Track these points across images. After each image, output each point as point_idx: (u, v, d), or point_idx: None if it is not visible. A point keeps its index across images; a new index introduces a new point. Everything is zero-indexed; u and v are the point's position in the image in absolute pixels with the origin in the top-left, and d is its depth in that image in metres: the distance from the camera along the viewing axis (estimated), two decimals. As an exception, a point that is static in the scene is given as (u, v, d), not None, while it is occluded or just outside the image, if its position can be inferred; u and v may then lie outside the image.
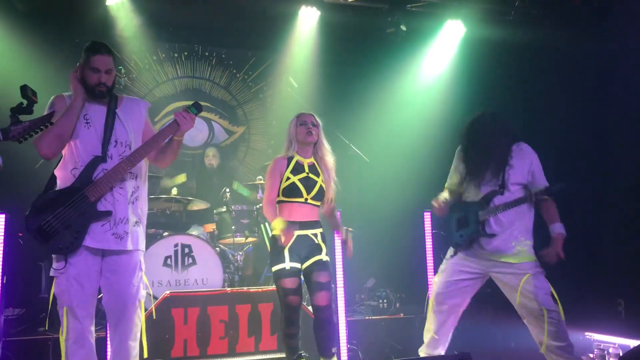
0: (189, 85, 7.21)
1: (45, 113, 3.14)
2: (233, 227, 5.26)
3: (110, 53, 3.21)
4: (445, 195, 4.00)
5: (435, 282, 4.05)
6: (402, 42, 6.28)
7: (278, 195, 3.63)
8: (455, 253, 3.89)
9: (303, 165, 3.65)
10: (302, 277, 3.62)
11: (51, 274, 3.13)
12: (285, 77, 6.47)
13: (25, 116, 2.79)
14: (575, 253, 5.53)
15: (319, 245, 3.60)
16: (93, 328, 3.13)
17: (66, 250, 3.03)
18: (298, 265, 3.54)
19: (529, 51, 6.04)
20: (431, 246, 4.89)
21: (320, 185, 3.64)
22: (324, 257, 3.58)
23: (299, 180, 3.58)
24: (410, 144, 6.26)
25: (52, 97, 3.21)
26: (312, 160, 3.71)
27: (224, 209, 5.37)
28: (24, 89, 2.79)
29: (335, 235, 4.14)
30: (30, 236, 3.07)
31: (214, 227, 5.43)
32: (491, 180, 3.84)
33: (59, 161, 3.21)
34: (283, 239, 3.45)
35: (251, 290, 4.57)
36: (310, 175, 3.63)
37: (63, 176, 3.14)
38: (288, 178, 3.59)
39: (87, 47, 3.18)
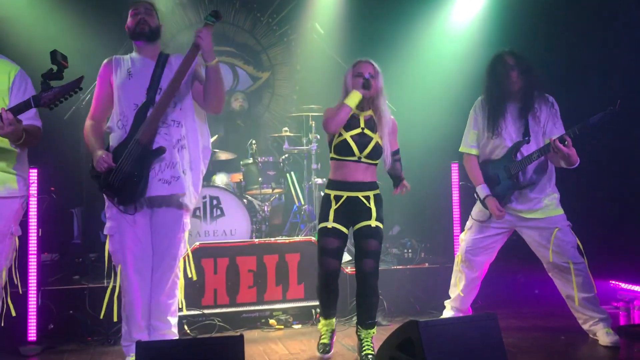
0: (213, 30, 7.06)
1: (97, 79, 3.30)
2: (260, 179, 5.30)
3: (149, 3, 3.32)
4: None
5: (461, 239, 4.06)
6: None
7: (331, 152, 3.41)
8: (490, 216, 3.84)
9: (359, 119, 3.36)
10: (347, 242, 3.45)
11: (105, 231, 3.24)
12: (310, 23, 6.30)
13: (56, 81, 2.81)
14: (602, 200, 5.52)
15: (369, 209, 3.35)
16: (149, 284, 3.21)
17: (131, 200, 3.10)
18: (342, 228, 3.35)
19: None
20: (457, 198, 4.87)
21: (377, 142, 3.35)
22: (373, 222, 3.33)
23: (352, 137, 3.30)
24: (439, 93, 6.12)
25: (102, 64, 3.30)
26: (369, 113, 3.41)
27: (250, 161, 5.39)
28: (54, 54, 2.79)
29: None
30: (102, 193, 3.19)
31: (241, 177, 5.46)
32: (515, 129, 3.75)
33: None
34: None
35: (278, 241, 4.65)
36: (366, 131, 3.34)
37: (113, 130, 3.22)
38: (340, 134, 3.32)
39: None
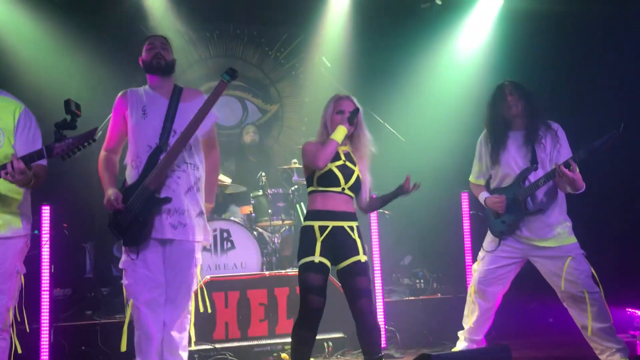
0: (222, 65, 7.18)
1: (112, 112, 3.32)
2: (270, 211, 5.32)
3: (165, 37, 3.40)
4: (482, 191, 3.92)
5: (474, 269, 4.03)
6: (437, 16, 6.14)
7: (312, 184, 3.31)
8: (499, 244, 3.83)
9: (339, 153, 3.30)
10: (334, 277, 3.30)
11: (120, 266, 3.26)
12: (318, 56, 6.39)
13: (69, 131, 2.82)
14: (617, 226, 5.48)
15: (354, 241, 3.22)
16: (161, 319, 3.21)
17: (136, 242, 3.14)
18: (327, 262, 3.17)
19: (571, 21, 5.80)
20: (469, 227, 4.85)
21: (358, 176, 3.30)
22: (362, 257, 3.19)
23: (337, 167, 3.24)
24: (447, 123, 6.15)
25: (117, 96, 3.34)
26: (347, 148, 3.38)
27: (260, 193, 5.42)
28: (68, 104, 2.78)
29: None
30: (110, 231, 3.23)
31: (251, 209, 5.49)
32: (521, 157, 3.76)
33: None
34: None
35: (289, 273, 4.64)
36: (347, 163, 3.30)
37: (128, 170, 3.27)
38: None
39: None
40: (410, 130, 5.92)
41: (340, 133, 3.23)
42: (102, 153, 3.35)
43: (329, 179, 3.25)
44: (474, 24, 6.58)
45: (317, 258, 3.14)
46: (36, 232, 3.23)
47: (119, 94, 3.34)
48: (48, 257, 4.07)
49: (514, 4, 6.23)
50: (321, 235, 3.19)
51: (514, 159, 3.77)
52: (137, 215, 3.12)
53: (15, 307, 3.04)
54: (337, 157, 3.30)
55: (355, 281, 3.15)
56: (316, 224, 3.22)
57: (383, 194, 3.41)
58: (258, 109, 7.31)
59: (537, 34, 6.01)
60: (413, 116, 6.14)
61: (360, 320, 3.15)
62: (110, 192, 3.15)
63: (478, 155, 4.00)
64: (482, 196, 3.92)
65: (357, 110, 3.29)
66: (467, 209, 4.83)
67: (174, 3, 6.30)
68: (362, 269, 3.18)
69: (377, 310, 4.43)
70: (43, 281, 4.01)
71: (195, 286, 3.33)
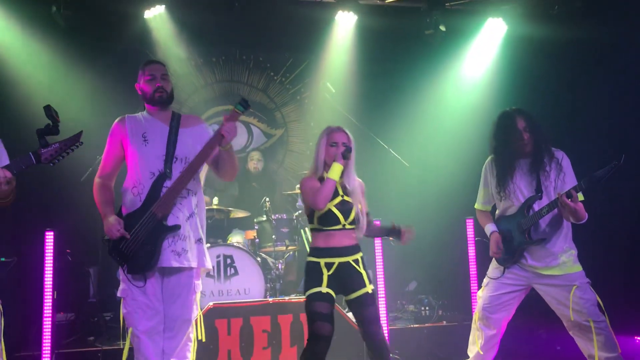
0: (227, 89, 7.25)
1: (108, 137, 3.28)
2: (274, 237, 5.29)
3: (163, 64, 3.37)
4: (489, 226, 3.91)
5: (479, 296, 3.99)
6: (441, 43, 6.15)
7: (313, 222, 3.35)
8: (503, 271, 3.80)
9: (336, 188, 3.31)
10: (344, 308, 3.40)
11: (119, 294, 3.22)
12: (322, 81, 6.43)
13: (52, 137, 2.75)
14: (623, 253, 5.42)
15: (360, 274, 3.30)
16: (161, 347, 3.18)
17: (141, 270, 3.11)
18: (333, 293, 3.26)
19: (573, 48, 5.83)
20: (474, 253, 4.83)
21: (356, 208, 3.33)
22: (369, 288, 3.29)
23: (335, 206, 3.28)
24: (451, 148, 6.15)
25: (114, 122, 3.30)
26: (342, 180, 3.36)
27: (264, 218, 5.41)
28: (48, 109, 2.72)
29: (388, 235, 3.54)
30: (111, 258, 3.18)
31: (255, 234, 5.47)
32: (526, 185, 3.75)
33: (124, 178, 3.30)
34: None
35: (292, 300, 4.60)
36: (345, 198, 3.33)
37: (127, 195, 3.23)
38: None
39: (140, 66, 3.33)
40: (415, 156, 5.93)
41: (336, 171, 3.25)
42: (97, 179, 3.31)
43: (328, 219, 3.29)
44: (477, 50, 6.61)
45: (324, 289, 3.22)
46: (2, 259, 3.06)
47: (117, 120, 3.32)
48: (51, 282, 4.05)
49: (518, 30, 6.26)
50: (328, 271, 3.27)
51: (519, 188, 3.76)
52: (144, 243, 3.10)
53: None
54: (335, 193, 3.30)
55: (365, 312, 3.27)
56: (322, 260, 3.29)
57: (384, 225, 3.45)
58: (263, 134, 7.34)
59: (541, 59, 6.04)
60: (417, 141, 6.15)
61: (371, 343, 3.27)
62: (112, 219, 3.13)
63: (483, 182, 3.98)
64: (489, 229, 3.87)
65: (349, 149, 3.31)
66: (473, 236, 4.82)
67: (180, 28, 6.35)
68: (370, 300, 3.29)
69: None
70: (45, 307, 3.99)
71: (195, 313, 3.30)
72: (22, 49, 5.71)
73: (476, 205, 4.03)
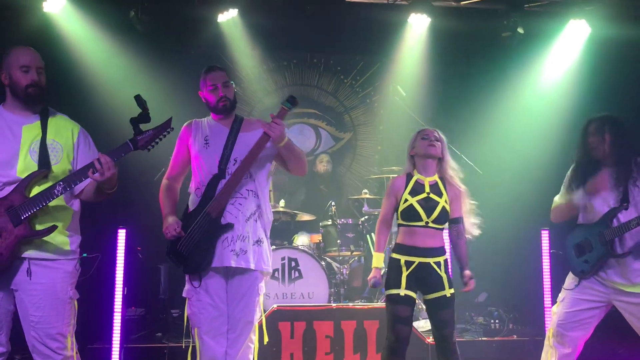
0: (297, 93, 7.26)
1: (177, 141, 3.35)
2: (338, 241, 5.25)
3: (223, 69, 3.36)
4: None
5: (553, 312, 3.78)
6: (519, 46, 5.95)
7: (398, 218, 3.40)
8: (578, 282, 3.59)
9: (423, 185, 3.37)
10: (421, 306, 3.44)
11: (184, 294, 3.25)
12: (392, 85, 6.33)
13: (144, 125, 2.83)
14: None
15: (440, 277, 3.31)
16: (224, 348, 3.19)
17: (199, 269, 3.13)
18: (413, 294, 3.31)
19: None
20: (549, 266, 4.65)
21: (443, 207, 3.34)
22: (447, 292, 3.30)
23: (418, 202, 3.31)
24: (528, 156, 5.92)
25: (183, 126, 3.36)
26: (434, 178, 3.42)
27: (329, 222, 5.38)
28: (138, 99, 2.79)
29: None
30: (169, 259, 3.23)
31: (320, 238, 5.44)
32: (611, 195, 3.52)
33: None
34: (370, 282, 3.41)
35: (356, 306, 4.53)
36: (432, 195, 3.34)
37: (191, 198, 3.28)
38: (406, 200, 3.34)
39: (201, 74, 3.34)
40: (489, 163, 5.73)
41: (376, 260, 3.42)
42: (164, 181, 3.39)
43: (410, 214, 3.33)
44: (558, 54, 6.33)
45: (402, 291, 3.27)
46: (85, 254, 3.13)
47: (185, 124, 3.39)
48: (122, 278, 4.17)
49: (602, 32, 5.95)
50: (407, 270, 3.30)
51: (603, 197, 3.55)
52: (199, 242, 3.12)
53: (73, 334, 2.89)
54: (420, 190, 3.35)
55: (440, 314, 3.31)
56: (403, 258, 3.33)
57: (463, 253, 3.48)
58: (331, 137, 7.31)
59: (627, 63, 5.73)
60: (491, 148, 5.94)
61: (441, 347, 3.33)
62: (170, 219, 3.17)
63: (567, 185, 3.78)
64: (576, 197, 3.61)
65: (436, 139, 3.41)
66: (548, 247, 4.66)
67: (252, 32, 6.43)
68: (447, 303, 3.31)
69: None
70: (116, 302, 4.11)
71: (258, 315, 3.30)
72: (101, 52, 5.95)
73: (554, 199, 3.81)
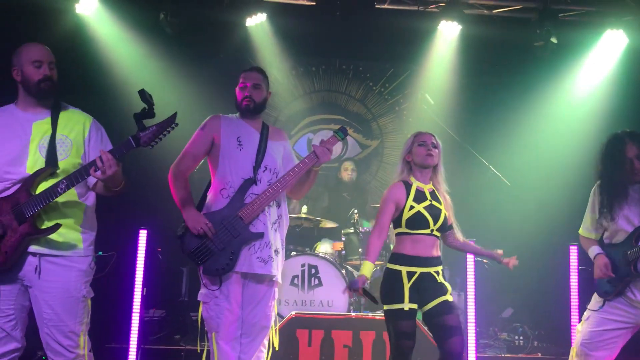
0: (325, 99, 7.26)
1: (199, 130, 3.28)
2: (360, 250, 5.18)
3: (260, 72, 3.36)
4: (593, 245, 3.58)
5: (578, 331, 3.65)
6: (552, 56, 5.82)
7: (400, 226, 3.24)
8: (603, 303, 3.46)
9: (424, 193, 3.25)
10: (421, 320, 3.32)
11: (199, 298, 3.23)
12: (421, 93, 6.25)
13: (148, 120, 2.73)
14: None
15: (441, 284, 3.19)
16: (238, 352, 3.18)
17: (222, 272, 3.11)
18: (415, 306, 3.16)
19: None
20: (577, 283, 4.52)
21: (445, 214, 3.25)
22: (449, 297, 3.17)
23: (425, 208, 3.19)
24: (557, 169, 5.77)
25: (209, 117, 3.34)
26: (431, 186, 3.32)
27: (351, 230, 5.31)
28: (142, 93, 2.70)
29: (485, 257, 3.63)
30: (185, 257, 3.16)
31: (342, 246, 5.38)
32: (636, 213, 3.38)
33: (209, 180, 3.31)
34: (347, 292, 3.32)
35: (376, 317, 4.45)
36: (434, 202, 3.24)
37: (213, 196, 3.23)
38: (412, 207, 3.18)
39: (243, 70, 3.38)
40: (517, 175, 5.60)
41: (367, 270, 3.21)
42: (175, 171, 3.23)
43: (418, 221, 3.19)
44: (593, 65, 6.17)
45: (406, 305, 3.11)
46: (100, 253, 3.07)
47: (212, 115, 3.33)
48: (142, 279, 4.18)
49: (640, 43, 5.78)
50: (409, 281, 3.14)
51: (627, 216, 3.41)
52: (227, 245, 3.10)
53: (86, 333, 2.86)
54: (423, 197, 3.24)
55: (444, 319, 3.12)
56: (404, 269, 3.16)
57: (478, 246, 3.41)
58: (358, 144, 7.25)
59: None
60: (520, 159, 5.81)
61: (446, 356, 3.08)
62: (195, 213, 3.13)
63: (591, 208, 3.65)
64: (593, 251, 3.56)
65: (434, 146, 3.28)
66: (576, 264, 4.52)
67: (281, 38, 6.43)
68: (450, 307, 3.15)
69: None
70: (134, 303, 4.11)
71: (273, 320, 3.29)
72: (131, 53, 6.01)
73: (580, 231, 3.69)
